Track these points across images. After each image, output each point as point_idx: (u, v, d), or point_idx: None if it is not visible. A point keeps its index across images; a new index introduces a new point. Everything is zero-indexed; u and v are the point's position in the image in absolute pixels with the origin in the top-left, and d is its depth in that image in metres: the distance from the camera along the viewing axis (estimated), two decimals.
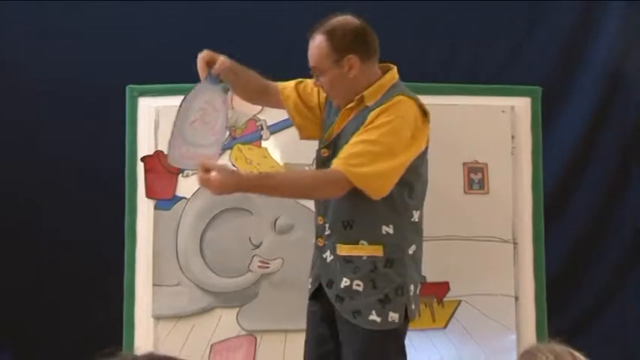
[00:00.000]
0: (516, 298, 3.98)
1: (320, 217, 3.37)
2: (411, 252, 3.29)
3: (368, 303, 3.27)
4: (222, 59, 3.45)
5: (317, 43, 3.28)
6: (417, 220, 3.32)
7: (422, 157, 3.30)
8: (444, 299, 3.93)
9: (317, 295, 3.43)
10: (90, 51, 5.50)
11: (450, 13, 5.61)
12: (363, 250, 3.29)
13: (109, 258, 4.17)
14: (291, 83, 3.59)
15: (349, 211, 3.29)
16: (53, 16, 5.61)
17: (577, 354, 2.02)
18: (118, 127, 4.10)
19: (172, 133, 3.25)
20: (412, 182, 3.27)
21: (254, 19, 5.37)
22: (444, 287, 3.94)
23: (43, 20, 5.62)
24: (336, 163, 3.14)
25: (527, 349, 2.09)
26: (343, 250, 3.30)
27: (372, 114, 3.18)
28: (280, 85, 3.59)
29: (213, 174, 3.04)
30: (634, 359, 5.05)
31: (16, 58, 5.54)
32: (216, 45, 5.37)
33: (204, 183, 3.08)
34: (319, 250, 3.39)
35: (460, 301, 3.92)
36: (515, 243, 4.01)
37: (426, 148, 3.31)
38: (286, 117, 3.87)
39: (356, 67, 3.24)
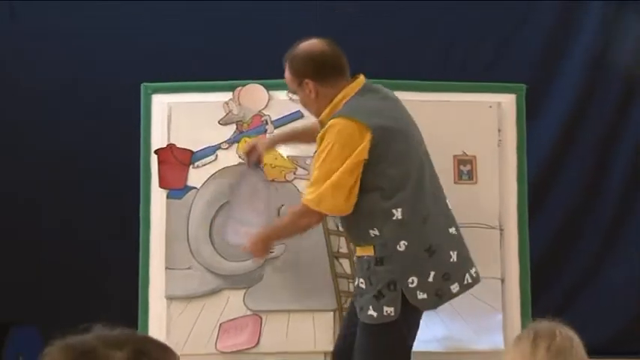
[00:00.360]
0: (502, 281, 3.98)
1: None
2: (401, 248, 3.29)
3: (367, 299, 3.33)
4: (260, 146, 3.78)
5: (285, 69, 3.44)
6: (401, 217, 3.29)
7: (385, 162, 3.30)
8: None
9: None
10: (103, 51, 5.50)
11: (443, 15, 5.61)
12: (362, 250, 3.39)
13: (123, 244, 4.17)
14: None
15: (346, 222, 3.46)
16: (72, 17, 5.60)
17: (565, 329, 2.04)
18: (129, 123, 4.11)
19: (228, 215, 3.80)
20: (381, 186, 3.29)
21: (255, 18, 5.37)
22: None
23: (62, 21, 5.61)
24: (306, 197, 3.36)
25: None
26: (357, 251, 3.46)
27: (318, 140, 3.33)
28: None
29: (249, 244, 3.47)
30: (611, 333, 5.08)
31: (37, 59, 5.54)
32: (220, 44, 5.42)
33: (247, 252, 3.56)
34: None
35: None
36: (501, 229, 4.02)
37: (387, 146, 3.30)
38: (288, 112, 3.92)
39: (314, 90, 3.37)
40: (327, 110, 3.36)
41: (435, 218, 3.39)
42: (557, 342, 2.01)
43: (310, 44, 3.42)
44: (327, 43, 3.44)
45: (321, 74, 3.36)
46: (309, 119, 3.80)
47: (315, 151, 3.40)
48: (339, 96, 3.35)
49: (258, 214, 3.80)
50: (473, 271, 3.46)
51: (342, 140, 3.24)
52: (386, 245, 3.30)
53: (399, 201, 3.30)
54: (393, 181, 3.30)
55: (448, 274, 3.37)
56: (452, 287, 3.38)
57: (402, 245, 3.29)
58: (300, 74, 3.38)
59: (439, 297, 3.36)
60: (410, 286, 3.28)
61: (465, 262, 3.45)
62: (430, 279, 3.32)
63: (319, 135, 3.31)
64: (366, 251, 3.35)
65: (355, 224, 3.40)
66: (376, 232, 3.32)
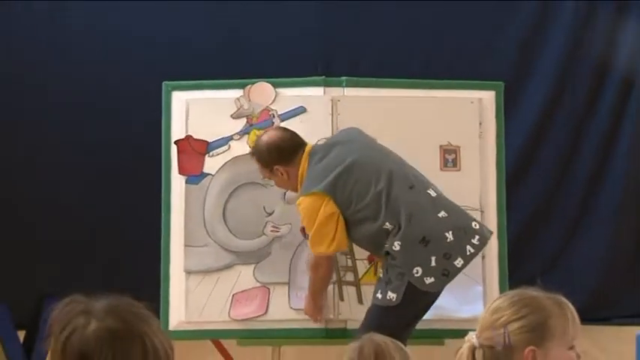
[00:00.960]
0: (483, 257, 3.98)
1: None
2: (397, 248, 3.48)
3: (380, 284, 3.55)
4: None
5: (255, 162, 3.72)
6: (390, 226, 3.52)
7: (352, 201, 3.57)
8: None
9: None
10: (128, 52, 5.51)
11: (431, 18, 5.60)
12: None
13: (147, 225, 4.18)
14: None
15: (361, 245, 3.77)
16: (102, 21, 5.60)
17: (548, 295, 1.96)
18: (152, 117, 4.11)
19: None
20: (364, 216, 3.57)
21: (262, 24, 5.36)
22: None
23: (95, 24, 5.60)
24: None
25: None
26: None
27: None
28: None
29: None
30: (577, 303, 5.10)
31: (73, 58, 5.54)
32: (232, 46, 5.40)
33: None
34: None
35: None
36: (482, 211, 4.00)
37: (348, 196, 3.57)
38: (292, 107, 3.91)
39: (285, 172, 3.65)
40: (299, 185, 3.65)
41: (421, 211, 3.54)
42: (569, 304, 1.95)
43: (268, 136, 3.70)
44: (280, 130, 3.76)
45: (285, 158, 3.63)
46: (311, 114, 3.89)
47: None
48: (300, 171, 3.64)
49: None
50: (475, 239, 3.56)
51: (308, 212, 3.58)
52: (390, 247, 3.49)
53: (383, 216, 3.52)
54: (369, 208, 3.55)
55: (448, 253, 3.50)
56: (456, 263, 3.51)
57: (396, 245, 3.47)
58: (268, 163, 3.65)
59: (446, 276, 3.52)
60: (416, 275, 3.45)
61: (464, 235, 3.54)
62: (433, 264, 3.47)
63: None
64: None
65: (367, 246, 3.73)
66: (383, 243, 3.54)
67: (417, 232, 3.48)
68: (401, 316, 3.49)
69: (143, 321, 1.63)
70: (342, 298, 3.88)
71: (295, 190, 3.67)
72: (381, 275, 3.56)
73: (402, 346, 1.93)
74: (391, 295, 3.46)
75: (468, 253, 3.52)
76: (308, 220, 3.59)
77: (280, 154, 3.63)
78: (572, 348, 1.94)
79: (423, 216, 3.52)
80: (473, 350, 1.95)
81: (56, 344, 1.60)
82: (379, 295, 3.51)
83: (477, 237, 3.56)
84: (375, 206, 3.53)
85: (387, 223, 3.50)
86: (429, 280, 3.45)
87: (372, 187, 3.55)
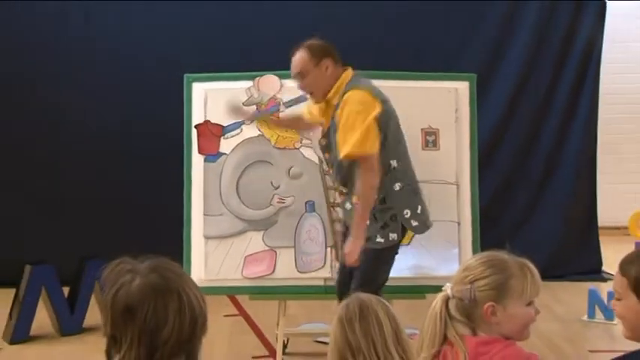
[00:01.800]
0: (458, 223, 3.97)
1: (335, 182, 3.48)
2: (397, 188, 3.33)
3: (375, 230, 3.33)
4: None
5: (300, 55, 3.35)
6: (396, 165, 3.32)
7: (385, 123, 3.28)
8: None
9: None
10: (153, 47, 5.50)
11: (414, 15, 5.58)
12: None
13: (172, 197, 4.16)
14: (305, 109, 3.67)
15: (343, 177, 3.38)
16: (131, 20, 5.58)
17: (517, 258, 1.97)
18: (175, 104, 4.08)
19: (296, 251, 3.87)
20: (382, 142, 3.27)
21: (270, 22, 5.33)
22: None
23: (125, 23, 5.58)
24: (343, 153, 3.23)
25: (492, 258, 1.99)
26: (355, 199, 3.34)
27: (338, 114, 3.26)
28: (302, 112, 3.69)
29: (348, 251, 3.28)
30: (539, 263, 5.11)
31: (103, 55, 5.51)
32: (244, 42, 5.37)
33: (350, 262, 3.29)
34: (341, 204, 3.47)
35: None
36: (457, 185, 4.00)
37: (389, 116, 3.30)
38: (296, 96, 3.87)
39: (331, 67, 3.32)
40: (333, 90, 3.32)
41: (413, 170, 3.45)
42: (532, 265, 1.96)
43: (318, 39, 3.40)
44: None
45: (335, 56, 3.34)
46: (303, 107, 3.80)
47: (328, 127, 3.39)
48: (342, 77, 3.33)
49: (318, 245, 3.90)
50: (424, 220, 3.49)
51: (363, 105, 3.21)
52: (385, 188, 3.32)
53: (395, 154, 3.34)
54: (389, 140, 3.30)
55: (426, 209, 3.45)
56: (429, 219, 3.48)
57: (397, 186, 3.33)
58: (319, 56, 3.31)
59: (425, 225, 3.45)
60: (405, 216, 3.35)
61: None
62: (418, 211, 3.40)
63: (338, 111, 3.25)
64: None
65: (351, 181, 3.35)
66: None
67: (412, 181, 3.40)
68: (392, 257, 3.42)
69: (180, 278, 1.63)
70: (338, 259, 3.86)
71: (322, 95, 3.35)
72: (367, 222, 3.30)
73: (385, 301, 1.90)
74: (392, 235, 3.34)
75: (430, 220, 3.48)
76: (357, 113, 3.18)
77: (334, 51, 3.36)
78: (530, 304, 1.94)
79: (414, 174, 3.44)
80: (446, 299, 1.97)
81: (106, 299, 1.61)
82: (381, 240, 3.33)
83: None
84: (395, 143, 3.33)
85: (394, 161, 3.32)
86: (414, 223, 3.37)
87: (400, 132, 3.38)
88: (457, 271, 2.05)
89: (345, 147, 3.19)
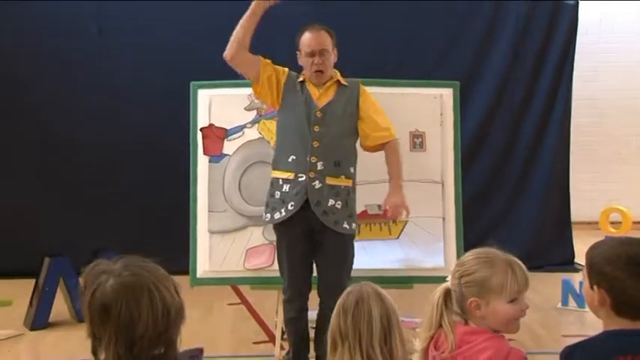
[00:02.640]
0: (443, 219, 3.96)
1: (313, 157, 3.23)
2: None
3: (343, 216, 3.27)
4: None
5: (323, 34, 3.30)
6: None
7: None
8: (397, 220, 3.89)
9: (295, 218, 3.23)
10: (162, 57, 5.48)
11: (402, 26, 5.58)
12: (341, 181, 3.29)
13: (179, 195, 4.14)
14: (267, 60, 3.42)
15: (340, 155, 3.28)
16: (144, 30, 5.55)
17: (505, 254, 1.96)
18: (182, 109, 4.06)
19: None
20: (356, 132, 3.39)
21: (271, 32, 5.31)
22: None
23: (137, 34, 5.55)
24: (390, 136, 3.39)
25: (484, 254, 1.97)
26: (331, 180, 3.25)
27: (365, 99, 3.37)
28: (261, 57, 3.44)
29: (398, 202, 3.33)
30: (518, 255, 5.11)
31: (116, 65, 5.48)
32: None
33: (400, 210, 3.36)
34: (308, 181, 3.22)
35: (407, 221, 3.90)
36: (442, 183, 3.99)
37: None
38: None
39: (336, 53, 3.35)
40: (333, 74, 3.36)
41: None
42: (521, 265, 1.94)
43: None
44: None
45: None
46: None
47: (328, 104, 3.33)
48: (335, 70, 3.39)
49: None
50: None
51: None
52: (354, 181, 3.36)
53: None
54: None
55: None
56: None
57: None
58: (335, 43, 3.34)
59: None
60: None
61: None
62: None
63: (361, 97, 3.37)
64: (345, 182, 3.30)
65: (347, 161, 3.32)
66: (352, 169, 3.35)
67: None
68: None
69: (150, 273, 1.59)
70: None
71: (326, 77, 3.34)
72: (336, 206, 3.23)
73: (387, 300, 1.86)
74: (354, 225, 3.33)
75: None
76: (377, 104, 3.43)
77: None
78: (513, 301, 1.90)
79: None
80: (446, 290, 1.96)
81: (85, 299, 1.59)
82: (347, 226, 3.27)
83: None
84: None
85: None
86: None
87: None
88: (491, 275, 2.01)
89: (390, 130, 3.38)
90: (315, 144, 3.24)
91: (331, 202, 3.24)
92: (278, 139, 3.38)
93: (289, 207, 3.23)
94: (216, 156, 3.92)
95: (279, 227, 3.31)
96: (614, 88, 7.70)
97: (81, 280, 1.61)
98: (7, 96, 5.62)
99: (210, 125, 3.93)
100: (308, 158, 3.23)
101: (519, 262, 1.95)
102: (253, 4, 3.27)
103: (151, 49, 5.62)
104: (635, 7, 7.64)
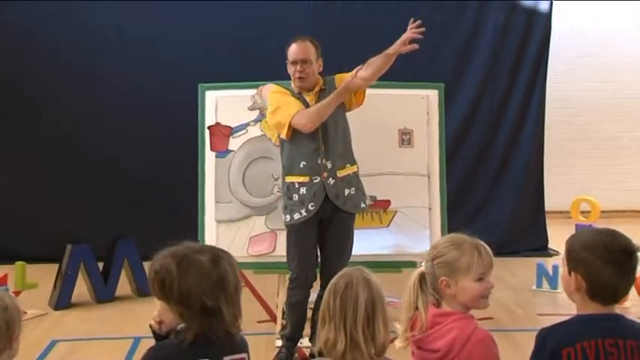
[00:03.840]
0: (429, 209, 3.94)
1: (323, 159, 3.22)
2: None
3: (361, 198, 3.34)
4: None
5: (307, 45, 3.26)
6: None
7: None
8: (388, 209, 3.89)
9: (314, 215, 3.24)
10: (172, 59, 5.45)
11: (391, 28, 5.53)
12: (350, 169, 3.32)
13: (189, 187, 4.11)
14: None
15: (342, 148, 3.29)
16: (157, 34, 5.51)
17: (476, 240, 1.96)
18: (191, 109, 4.03)
19: None
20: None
21: (272, 37, 5.28)
22: (387, 203, 3.88)
23: (153, 37, 5.51)
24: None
25: (453, 238, 1.99)
26: (341, 172, 3.27)
27: (338, 78, 3.30)
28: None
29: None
30: (497, 241, 5.10)
31: (135, 69, 5.45)
32: (249, 55, 5.32)
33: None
34: (322, 181, 3.22)
35: (396, 211, 3.89)
36: (429, 176, 3.97)
37: None
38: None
39: (321, 67, 3.32)
40: (319, 82, 3.31)
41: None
42: (487, 247, 1.94)
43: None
44: None
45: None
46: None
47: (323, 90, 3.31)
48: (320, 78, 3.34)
49: None
50: None
51: None
52: (355, 160, 3.36)
53: None
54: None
55: None
56: None
57: None
58: (319, 54, 3.30)
59: None
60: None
61: None
62: None
63: (338, 77, 3.31)
64: (351, 169, 3.32)
65: (348, 149, 3.34)
66: (353, 154, 3.34)
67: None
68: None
69: (230, 260, 1.72)
70: None
71: (313, 85, 3.28)
72: (351, 193, 3.27)
73: (373, 285, 1.84)
74: (368, 200, 3.43)
75: None
76: None
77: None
78: (479, 280, 1.91)
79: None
80: (421, 274, 1.97)
81: (149, 276, 1.67)
82: (364, 206, 3.39)
83: None
84: None
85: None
86: None
87: None
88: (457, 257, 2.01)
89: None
90: (323, 147, 3.24)
91: (346, 191, 3.28)
92: (287, 147, 3.32)
93: (310, 207, 3.24)
94: (222, 152, 3.89)
95: (295, 224, 3.28)
96: (585, 89, 7.70)
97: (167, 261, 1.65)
98: (29, 100, 5.59)
99: (217, 123, 3.90)
100: (319, 161, 3.23)
101: (485, 245, 1.95)
102: (347, 83, 3.20)
103: (163, 54, 5.59)
104: (604, 15, 7.63)
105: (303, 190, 3.25)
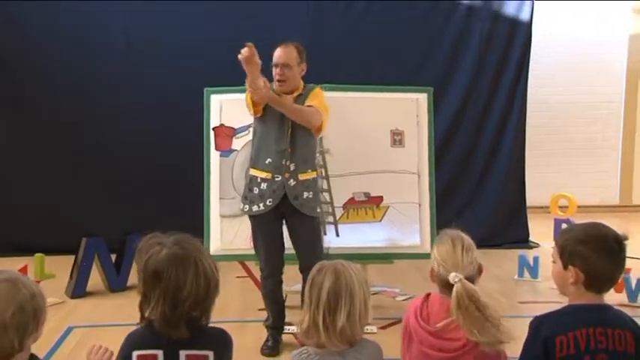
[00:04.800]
0: (419, 205, 3.93)
1: (287, 160, 3.17)
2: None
3: (315, 202, 3.27)
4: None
5: (290, 50, 3.20)
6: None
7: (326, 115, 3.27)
8: (380, 205, 3.87)
9: (273, 210, 3.20)
10: (179, 66, 5.42)
11: (383, 35, 5.53)
12: (310, 175, 3.26)
13: (195, 185, 4.08)
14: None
15: (306, 153, 3.23)
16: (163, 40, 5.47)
17: (462, 233, 1.96)
18: (198, 111, 4.00)
19: None
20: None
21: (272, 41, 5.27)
22: (380, 199, 3.87)
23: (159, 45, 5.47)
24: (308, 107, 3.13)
25: (441, 232, 2.00)
26: (303, 176, 3.22)
27: (311, 95, 3.22)
28: None
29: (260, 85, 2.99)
30: (482, 235, 5.08)
31: (144, 73, 5.39)
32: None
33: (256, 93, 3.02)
34: (283, 180, 3.17)
35: (389, 206, 3.88)
36: (418, 174, 3.95)
37: None
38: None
39: (303, 70, 3.25)
40: (299, 86, 3.25)
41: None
42: (466, 241, 1.93)
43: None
44: None
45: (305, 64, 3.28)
46: None
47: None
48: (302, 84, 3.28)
49: None
50: None
51: (322, 97, 3.27)
52: (317, 168, 3.35)
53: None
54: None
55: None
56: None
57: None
58: (302, 58, 3.23)
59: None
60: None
61: None
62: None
63: (312, 93, 3.24)
64: (312, 174, 3.27)
65: (312, 156, 3.30)
66: (315, 161, 3.32)
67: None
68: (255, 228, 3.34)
69: (197, 250, 1.64)
70: (325, 233, 3.80)
71: (293, 89, 3.21)
72: (308, 196, 3.20)
73: (344, 273, 1.82)
74: (320, 208, 3.39)
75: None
76: (322, 98, 3.26)
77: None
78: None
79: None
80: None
81: (139, 265, 1.63)
82: (319, 210, 3.31)
83: None
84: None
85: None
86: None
87: None
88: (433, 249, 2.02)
89: (312, 109, 3.16)
90: (289, 150, 3.18)
91: (305, 194, 3.21)
92: (256, 141, 3.26)
93: (267, 202, 3.20)
94: (226, 151, 3.87)
95: (256, 217, 3.27)
96: (562, 93, 7.73)
97: (139, 247, 1.65)
98: (48, 99, 5.55)
99: (221, 125, 3.88)
100: (283, 162, 3.19)
101: (461, 236, 1.94)
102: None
103: (170, 59, 5.55)
104: (579, 26, 7.66)
105: (264, 186, 3.21)
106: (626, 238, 1.75)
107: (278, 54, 3.19)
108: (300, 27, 5.26)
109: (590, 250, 1.71)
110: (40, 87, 5.53)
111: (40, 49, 5.51)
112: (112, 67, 5.57)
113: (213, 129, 3.88)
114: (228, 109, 3.89)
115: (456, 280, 1.85)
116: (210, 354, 1.62)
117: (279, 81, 3.20)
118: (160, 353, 1.58)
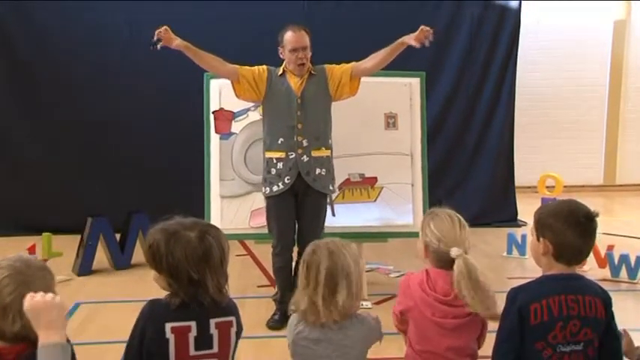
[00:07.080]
0: (412, 185, 3.90)
1: (299, 137, 3.21)
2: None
3: (329, 180, 3.30)
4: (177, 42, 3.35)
5: (304, 34, 3.26)
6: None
7: None
8: (375, 186, 3.84)
9: (289, 189, 3.25)
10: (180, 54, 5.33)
11: (377, 21, 5.47)
12: (324, 152, 3.27)
13: (196, 166, 4.04)
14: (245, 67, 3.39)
15: (319, 131, 3.24)
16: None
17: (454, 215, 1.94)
18: (198, 95, 3.94)
19: None
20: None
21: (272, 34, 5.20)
22: (374, 179, 3.84)
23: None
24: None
25: (430, 211, 1.99)
26: (316, 153, 3.23)
27: (330, 69, 3.31)
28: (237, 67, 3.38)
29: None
30: (473, 214, 5.08)
31: (145, 66, 5.32)
32: (250, 49, 5.22)
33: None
34: (297, 157, 3.21)
35: (383, 187, 3.85)
36: (411, 155, 3.92)
37: None
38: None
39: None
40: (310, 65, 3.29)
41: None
42: (461, 218, 1.93)
43: None
44: None
45: None
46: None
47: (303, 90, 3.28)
48: None
49: None
50: None
51: None
52: (332, 148, 3.33)
53: None
54: None
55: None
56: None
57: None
58: (311, 41, 3.30)
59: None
60: None
61: None
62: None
63: (329, 68, 3.33)
64: (326, 152, 3.29)
65: (325, 134, 3.30)
66: (330, 140, 3.30)
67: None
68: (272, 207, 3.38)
69: (218, 233, 1.69)
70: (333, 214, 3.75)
71: (306, 68, 3.29)
72: (322, 174, 3.24)
73: (339, 253, 1.80)
74: (335, 185, 3.42)
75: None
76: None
77: None
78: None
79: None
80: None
81: (174, 250, 1.62)
82: (332, 188, 3.36)
83: None
84: None
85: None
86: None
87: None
88: (428, 226, 1.99)
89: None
90: (300, 126, 3.21)
91: (318, 170, 3.24)
92: (267, 124, 3.32)
93: (286, 180, 3.24)
94: (225, 134, 3.82)
95: (272, 196, 3.29)
96: (549, 77, 7.72)
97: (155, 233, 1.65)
98: (53, 83, 5.50)
99: (221, 109, 3.83)
100: (295, 139, 3.21)
101: (452, 214, 1.94)
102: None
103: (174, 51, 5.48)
104: (565, 13, 7.60)
105: (280, 165, 3.24)
106: (596, 215, 1.76)
107: (297, 39, 3.22)
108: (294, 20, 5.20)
109: (560, 223, 1.73)
110: (47, 69, 5.49)
111: (48, 36, 5.46)
112: (117, 51, 5.52)
113: (213, 112, 3.83)
114: (228, 93, 3.81)
115: (458, 254, 1.82)
116: (233, 319, 1.67)
117: (301, 65, 3.24)
118: (193, 324, 1.59)
